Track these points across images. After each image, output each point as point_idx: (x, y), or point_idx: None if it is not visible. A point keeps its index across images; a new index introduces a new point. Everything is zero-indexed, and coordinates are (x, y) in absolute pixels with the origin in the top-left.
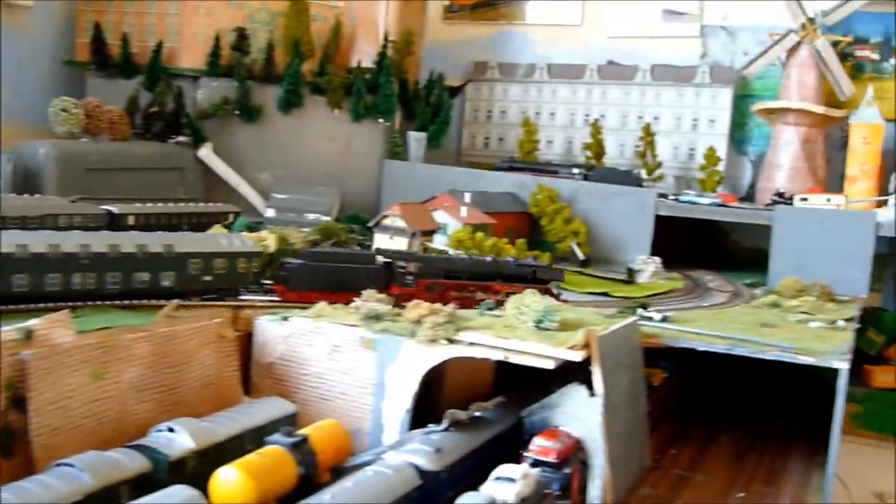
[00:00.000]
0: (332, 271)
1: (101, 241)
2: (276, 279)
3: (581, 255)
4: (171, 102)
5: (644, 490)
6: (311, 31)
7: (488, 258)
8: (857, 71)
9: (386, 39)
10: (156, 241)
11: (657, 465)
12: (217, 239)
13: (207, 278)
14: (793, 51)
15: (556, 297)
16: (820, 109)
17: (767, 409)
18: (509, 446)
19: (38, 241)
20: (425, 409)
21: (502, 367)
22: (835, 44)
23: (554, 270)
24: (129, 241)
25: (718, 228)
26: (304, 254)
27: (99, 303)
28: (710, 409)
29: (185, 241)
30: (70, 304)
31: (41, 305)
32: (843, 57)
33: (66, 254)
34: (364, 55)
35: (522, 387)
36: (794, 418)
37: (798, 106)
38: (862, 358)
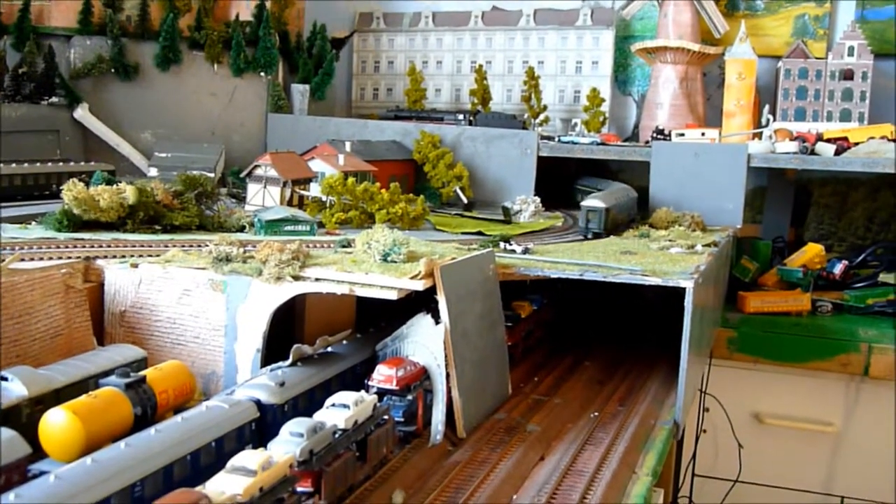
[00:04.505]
0: None
1: None
2: None
3: (465, 199)
4: (42, 62)
5: (497, 416)
6: None
7: None
8: (730, 9)
9: None
10: None
11: (517, 393)
12: None
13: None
14: None
15: None
16: (696, 47)
17: (641, 336)
18: (363, 379)
19: None
20: (289, 349)
21: (367, 303)
22: None
23: None
24: None
25: (608, 169)
26: None
27: None
28: (582, 338)
29: None
30: None
31: None
32: None
33: None
34: (243, 8)
35: (387, 322)
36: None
37: (675, 44)
38: (738, 285)
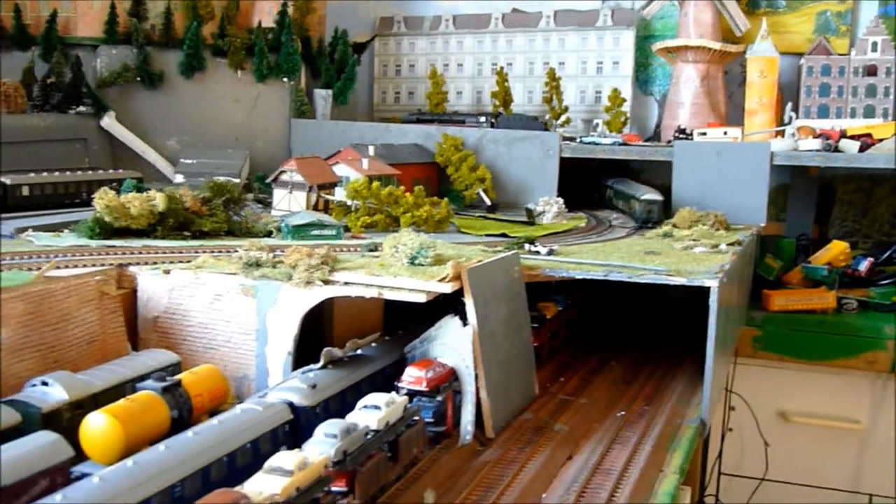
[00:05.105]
0: None
1: None
2: None
3: (488, 201)
4: (69, 72)
5: (525, 416)
6: None
7: None
8: (751, 6)
9: None
10: None
11: (544, 393)
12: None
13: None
14: None
15: None
16: (717, 45)
17: (666, 336)
18: (392, 381)
19: None
20: (318, 352)
21: (394, 306)
22: None
23: None
24: None
25: (630, 169)
26: None
27: None
28: (607, 338)
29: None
30: None
31: None
32: None
33: None
34: (265, 15)
35: (414, 324)
36: (693, 343)
37: (696, 43)
38: (762, 283)
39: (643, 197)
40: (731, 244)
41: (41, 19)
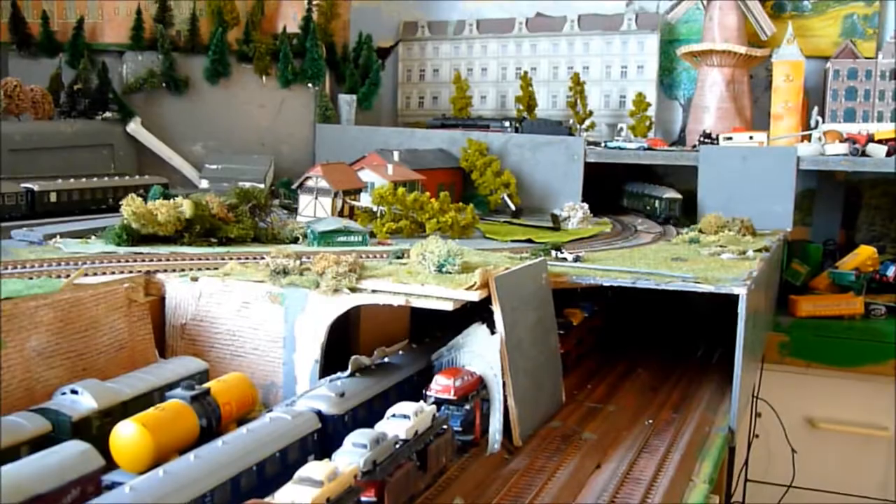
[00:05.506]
0: None
1: None
2: None
3: (513, 206)
4: (96, 78)
5: (553, 424)
6: None
7: None
8: (777, 10)
9: (310, 3)
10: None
11: (571, 401)
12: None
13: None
14: None
15: None
16: (742, 49)
17: (691, 342)
18: (419, 389)
19: None
20: (344, 359)
21: (422, 314)
22: None
23: None
24: None
25: (654, 174)
26: None
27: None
28: (634, 345)
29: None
30: None
31: None
32: None
33: None
34: (290, 20)
35: (441, 331)
36: (718, 349)
37: (721, 47)
38: (789, 289)
39: (665, 196)
40: (759, 250)
41: (68, 25)
